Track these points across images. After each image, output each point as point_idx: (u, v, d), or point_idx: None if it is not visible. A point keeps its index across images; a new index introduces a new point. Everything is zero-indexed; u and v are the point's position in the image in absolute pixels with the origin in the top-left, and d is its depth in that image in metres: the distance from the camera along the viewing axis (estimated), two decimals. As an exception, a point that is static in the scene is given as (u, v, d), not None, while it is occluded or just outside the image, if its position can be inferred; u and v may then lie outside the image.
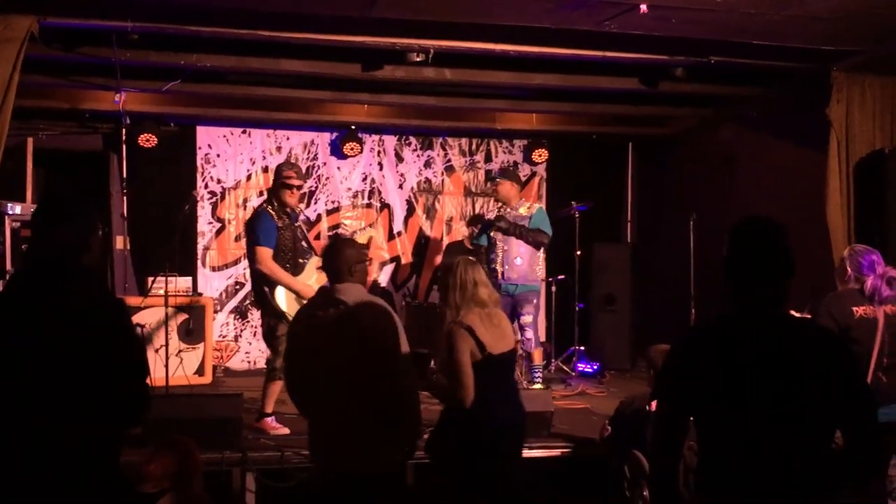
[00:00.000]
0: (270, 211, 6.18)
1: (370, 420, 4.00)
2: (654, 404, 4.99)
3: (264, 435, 6.05)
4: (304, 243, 6.35)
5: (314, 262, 6.29)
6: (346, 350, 3.99)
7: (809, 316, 4.88)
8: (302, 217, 6.55)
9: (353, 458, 4.00)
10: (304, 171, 9.74)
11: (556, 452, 5.98)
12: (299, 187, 6.36)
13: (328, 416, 4.06)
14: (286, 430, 6.12)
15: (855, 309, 4.70)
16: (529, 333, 7.40)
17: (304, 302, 5.97)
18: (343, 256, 4.12)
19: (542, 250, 7.57)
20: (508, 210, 7.60)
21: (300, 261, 6.24)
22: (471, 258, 4.73)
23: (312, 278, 6.22)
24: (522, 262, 7.43)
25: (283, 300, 6.06)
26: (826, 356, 2.59)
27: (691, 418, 2.72)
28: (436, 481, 4.54)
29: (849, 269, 4.84)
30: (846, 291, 4.83)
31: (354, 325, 4.00)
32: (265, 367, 6.45)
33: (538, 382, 7.49)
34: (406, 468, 4.44)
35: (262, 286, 6.11)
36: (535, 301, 7.52)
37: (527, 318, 7.38)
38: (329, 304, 4.04)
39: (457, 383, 4.32)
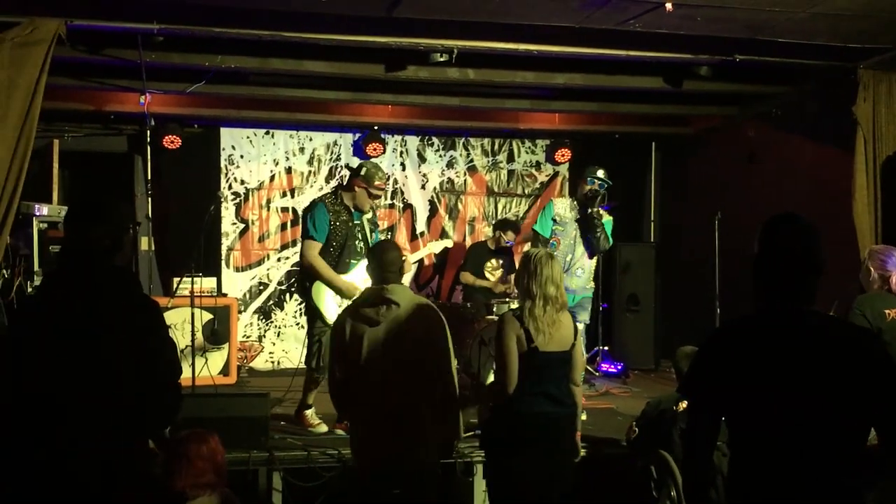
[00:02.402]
0: (328, 203, 6.00)
1: (416, 419, 4.08)
2: (681, 405, 4.98)
3: (300, 432, 6.04)
4: (360, 243, 6.09)
5: (363, 264, 5.92)
6: (397, 349, 4.06)
7: (836, 315, 4.86)
8: (369, 216, 6.23)
9: (395, 455, 4.07)
10: (328, 172, 9.78)
11: (581, 452, 5.95)
12: (379, 196, 6.23)
13: (373, 414, 4.12)
14: (325, 427, 6.09)
15: (887, 311, 4.67)
16: (581, 340, 6.86)
17: (343, 301, 5.86)
18: (389, 259, 4.23)
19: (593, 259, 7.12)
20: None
21: (348, 260, 6.03)
22: (550, 251, 4.73)
23: (359, 280, 5.98)
24: (583, 273, 7.00)
25: (321, 298, 5.94)
26: (860, 354, 2.56)
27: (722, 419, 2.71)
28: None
29: (872, 269, 4.81)
30: (877, 293, 4.80)
31: (407, 325, 4.08)
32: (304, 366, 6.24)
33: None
34: (440, 467, 4.45)
35: (304, 281, 6.03)
36: (589, 308, 7.17)
37: (580, 326, 6.72)
38: (380, 303, 4.09)
39: (500, 367, 4.36)
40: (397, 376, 4.07)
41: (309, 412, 6.15)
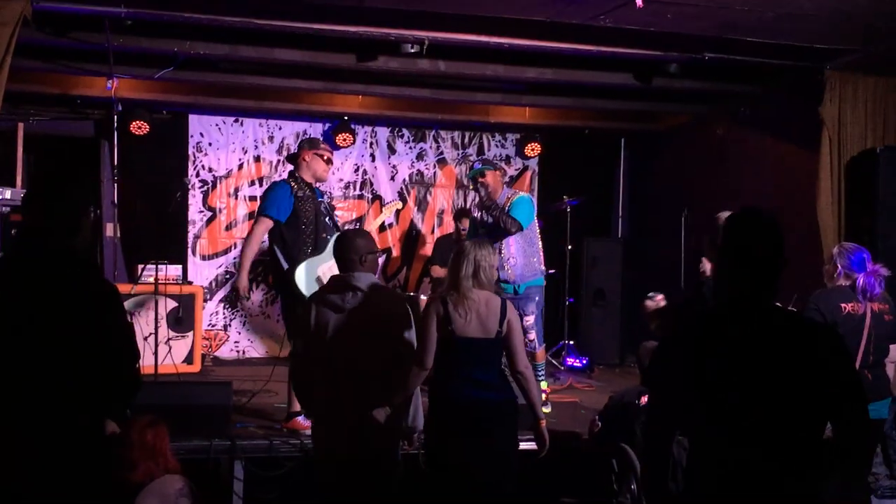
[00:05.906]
0: (290, 182, 5.87)
1: (377, 406, 4.10)
2: (644, 399, 5.02)
3: (262, 421, 5.95)
4: (327, 219, 5.96)
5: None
6: (360, 336, 4.08)
7: (794, 310, 4.92)
8: (327, 197, 6.15)
9: (355, 443, 4.09)
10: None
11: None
12: (331, 160, 6.15)
13: (335, 401, 4.12)
14: None
15: (843, 305, 4.74)
16: (532, 335, 6.76)
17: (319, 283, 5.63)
18: (354, 246, 4.23)
19: (538, 241, 6.96)
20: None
21: (323, 236, 5.81)
22: (482, 240, 4.65)
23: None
24: (517, 261, 6.78)
25: (303, 281, 5.66)
26: (816, 347, 2.60)
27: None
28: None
29: (839, 266, 4.88)
30: (835, 288, 4.87)
31: (371, 312, 4.10)
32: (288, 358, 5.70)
33: (542, 380, 6.95)
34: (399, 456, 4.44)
35: (279, 268, 5.74)
36: (537, 298, 6.91)
37: (530, 319, 6.76)
38: (345, 290, 4.10)
39: (420, 346, 4.28)
40: (360, 363, 4.09)
41: (300, 418, 5.81)
